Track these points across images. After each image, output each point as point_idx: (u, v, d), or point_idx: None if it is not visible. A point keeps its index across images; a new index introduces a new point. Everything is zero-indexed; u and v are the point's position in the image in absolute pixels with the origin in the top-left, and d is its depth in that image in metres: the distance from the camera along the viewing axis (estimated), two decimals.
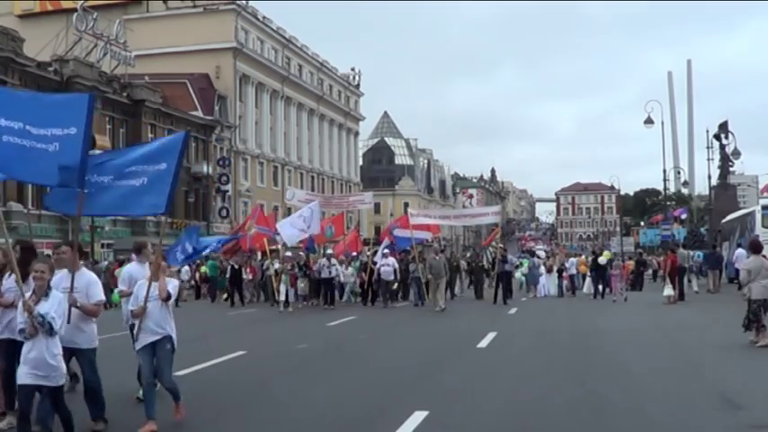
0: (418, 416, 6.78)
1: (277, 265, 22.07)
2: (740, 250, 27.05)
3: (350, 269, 23.78)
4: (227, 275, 25.26)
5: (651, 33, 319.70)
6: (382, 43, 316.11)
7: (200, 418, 7.17)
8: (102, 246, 40.86)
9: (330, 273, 21.81)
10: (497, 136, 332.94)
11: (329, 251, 23.63)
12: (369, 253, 24.91)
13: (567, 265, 28.21)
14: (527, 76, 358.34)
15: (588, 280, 27.23)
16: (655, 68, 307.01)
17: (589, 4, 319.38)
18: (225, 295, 25.90)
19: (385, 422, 6.71)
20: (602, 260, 24.84)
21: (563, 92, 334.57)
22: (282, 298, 20.89)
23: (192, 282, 30.50)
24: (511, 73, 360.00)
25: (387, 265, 22.03)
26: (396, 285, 22.81)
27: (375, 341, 13.94)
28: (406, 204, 79.67)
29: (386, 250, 23.30)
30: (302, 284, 22.37)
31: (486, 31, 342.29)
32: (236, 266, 24.45)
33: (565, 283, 27.60)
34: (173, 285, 7.04)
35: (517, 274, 28.91)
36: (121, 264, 27.17)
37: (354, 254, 25.98)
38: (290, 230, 22.76)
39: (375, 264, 22.86)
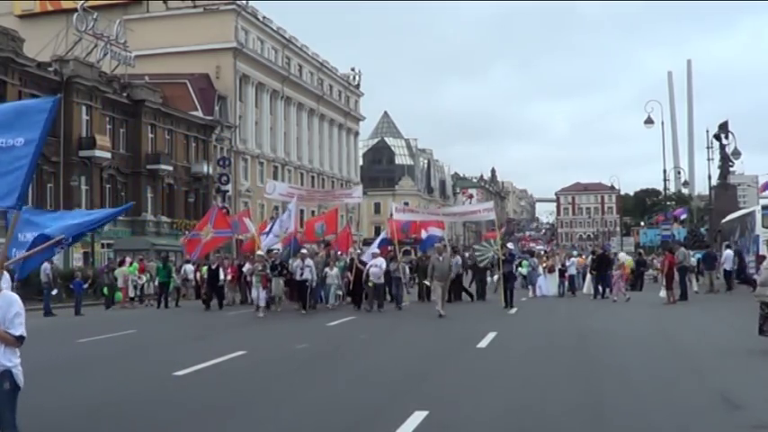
0: (418, 416, 6.78)
1: (247, 266, 20.64)
2: (728, 251, 27.00)
3: (335, 269, 21.61)
4: (205, 276, 23.59)
5: (647, 33, 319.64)
6: (380, 43, 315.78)
7: (199, 417, 7.17)
8: (102, 246, 40.86)
9: (303, 274, 19.96)
10: (494, 136, 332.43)
11: (303, 250, 21.39)
12: (357, 252, 22.93)
13: (567, 264, 28.16)
14: (522, 76, 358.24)
15: (588, 280, 27.24)
16: (650, 68, 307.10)
17: (584, 4, 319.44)
18: (204, 297, 24.03)
19: (385, 422, 6.70)
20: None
21: (559, 91, 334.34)
22: (261, 303, 19.55)
23: (193, 282, 30.45)
24: (506, 72, 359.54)
25: (375, 266, 20.34)
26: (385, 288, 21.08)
27: (375, 341, 13.94)
28: (406, 204, 79.68)
29: (375, 249, 21.90)
30: (279, 286, 20.74)
31: (481, 31, 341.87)
32: (213, 267, 22.96)
33: (565, 282, 27.57)
34: (14, 312, 4.79)
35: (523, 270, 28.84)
36: (121, 263, 27.21)
37: (339, 252, 23.97)
38: (269, 239, 22.38)
39: (363, 264, 21.22)
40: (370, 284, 20.28)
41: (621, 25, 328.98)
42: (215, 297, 22.95)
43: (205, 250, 24.30)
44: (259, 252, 21.19)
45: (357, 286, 21.28)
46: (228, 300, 23.99)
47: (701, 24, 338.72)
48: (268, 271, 20.18)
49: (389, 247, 23.62)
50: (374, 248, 22.45)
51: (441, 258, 19.21)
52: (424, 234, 25.59)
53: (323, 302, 21.63)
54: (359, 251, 23.55)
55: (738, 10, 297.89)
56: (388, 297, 22.43)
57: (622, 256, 25.62)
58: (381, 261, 20.72)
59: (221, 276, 23.11)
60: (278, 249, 22.60)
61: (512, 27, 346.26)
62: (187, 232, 41.88)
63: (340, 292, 22.30)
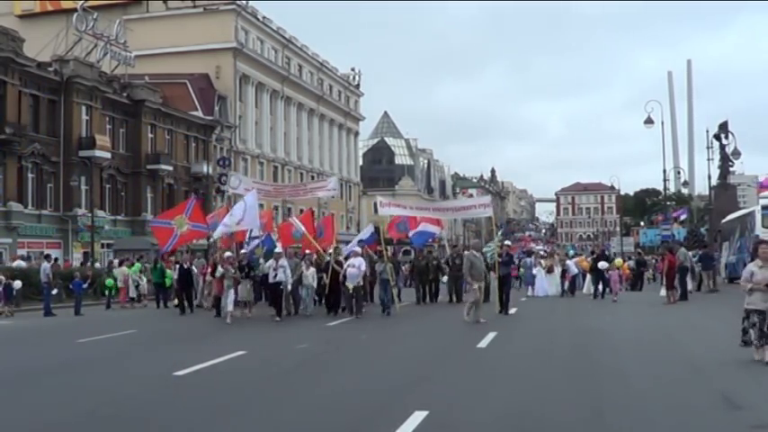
0: (418, 416, 6.77)
1: (220, 270, 18.57)
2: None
3: (311, 270, 19.49)
4: (176, 276, 21.67)
5: (643, 32, 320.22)
6: (377, 43, 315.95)
7: (199, 418, 7.17)
8: (102, 246, 40.87)
9: (276, 276, 17.93)
10: (491, 135, 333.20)
11: (277, 250, 19.14)
12: (331, 251, 20.34)
13: (568, 263, 28.16)
14: (518, 76, 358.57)
15: (588, 280, 27.24)
16: (647, 68, 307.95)
17: (580, 4, 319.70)
18: (176, 301, 22.47)
19: (385, 422, 6.70)
20: (602, 265, 24.60)
21: (556, 91, 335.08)
22: (230, 308, 17.64)
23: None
24: (502, 72, 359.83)
25: (352, 267, 18.22)
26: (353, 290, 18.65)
27: (375, 341, 13.93)
28: None
29: (354, 248, 19.79)
30: (247, 287, 18.84)
31: (476, 30, 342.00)
32: (186, 266, 21.27)
33: (566, 283, 27.56)
34: None
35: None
36: (121, 263, 27.19)
37: (308, 252, 21.28)
38: (219, 227, 19.74)
39: (339, 265, 19.12)
40: (348, 287, 18.27)
41: (617, 25, 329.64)
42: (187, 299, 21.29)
43: (180, 242, 22.24)
44: (228, 253, 19.21)
45: (333, 290, 19.25)
46: (199, 301, 22.38)
47: (696, 23, 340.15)
48: (236, 272, 18.31)
49: (378, 247, 21.82)
50: (355, 245, 20.21)
51: (477, 255, 17.32)
52: (412, 232, 24.21)
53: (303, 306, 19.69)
54: (331, 251, 20.78)
55: (734, 9, 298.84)
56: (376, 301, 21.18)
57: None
58: (360, 261, 18.56)
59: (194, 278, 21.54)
60: (244, 251, 20.39)
61: (507, 26, 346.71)
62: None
63: (316, 297, 20.29)
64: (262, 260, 19.55)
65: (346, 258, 19.79)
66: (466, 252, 18.27)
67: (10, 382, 9.51)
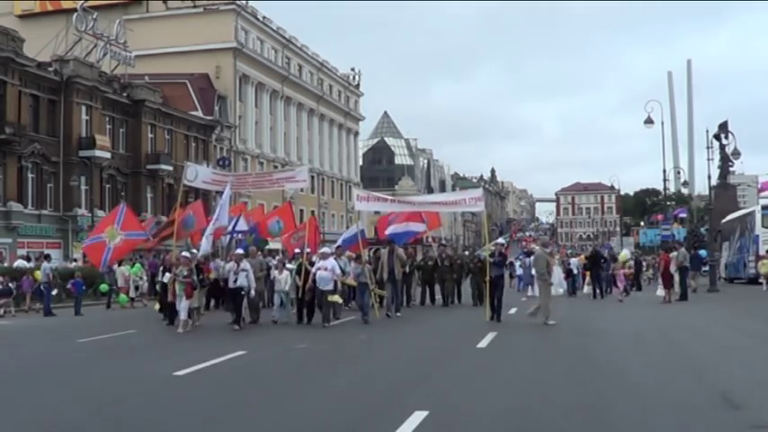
0: (418, 416, 6.77)
1: (167, 276, 16.92)
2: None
3: (284, 273, 17.38)
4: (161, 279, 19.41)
5: (638, 32, 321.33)
6: (372, 43, 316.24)
7: (199, 418, 7.17)
8: None
9: (237, 281, 15.94)
10: (489, 135, 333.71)
11: (239, 251, 17.13)
12: (307, 251, 18.24)
13: (572, 261, 28.24)
14: (513, 76, 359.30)
15: (588, 280, 27.27)
16: (641, 67, 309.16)
17: (575, 4, 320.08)
18: (157, 306, 19.49)
19: (385, 422, 6.70)
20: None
21: (551, 91, 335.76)
22: (182, 315, 15.59)
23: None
24: (498, 72, 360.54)
25: (324, 269, 16.17)
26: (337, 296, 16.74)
27: (375, 341, 13.93)
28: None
29: (325, 249, 17.67)
30: (197, 293, 16.54)
31: (471, 30, 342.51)
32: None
33: (566, 283, 27.55)
34: None
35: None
36: (121, 263, 27.15)
37: (309, 251, 18.66)
38: (204, 243, 17.90)
39: (313, 265, 16.83)
40: (331, 299, 16.31)
41: (613, 24, 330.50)
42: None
43: (115, 256, 20.44)
44: (185, 253, 17.21)
45: (304, 295, 17.06)
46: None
47: (692, 22, 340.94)
48: (194, 277, 15.97)
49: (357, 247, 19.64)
50: (324, 249, 17.97)
51: (549, 251, 16.87)
52: (397, 228, 22.23)
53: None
54: (307, 251, 18.43)
55: (728, 8, 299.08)
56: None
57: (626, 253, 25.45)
58: (332, 263, 16.58)
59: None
60: (194, 252, 17.97)
61: (502, 26, 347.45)
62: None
63: (292, 296, 17.62)
64: (221, 261, 17.96)
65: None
66: (537, 249, 17.08)
67: (11, 381, 9.52)
